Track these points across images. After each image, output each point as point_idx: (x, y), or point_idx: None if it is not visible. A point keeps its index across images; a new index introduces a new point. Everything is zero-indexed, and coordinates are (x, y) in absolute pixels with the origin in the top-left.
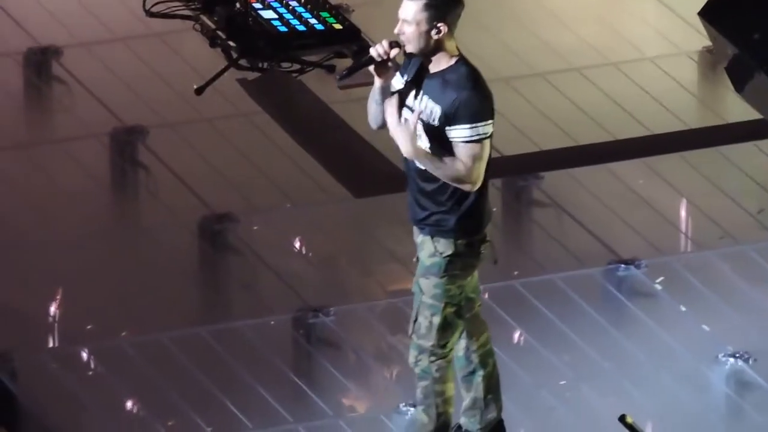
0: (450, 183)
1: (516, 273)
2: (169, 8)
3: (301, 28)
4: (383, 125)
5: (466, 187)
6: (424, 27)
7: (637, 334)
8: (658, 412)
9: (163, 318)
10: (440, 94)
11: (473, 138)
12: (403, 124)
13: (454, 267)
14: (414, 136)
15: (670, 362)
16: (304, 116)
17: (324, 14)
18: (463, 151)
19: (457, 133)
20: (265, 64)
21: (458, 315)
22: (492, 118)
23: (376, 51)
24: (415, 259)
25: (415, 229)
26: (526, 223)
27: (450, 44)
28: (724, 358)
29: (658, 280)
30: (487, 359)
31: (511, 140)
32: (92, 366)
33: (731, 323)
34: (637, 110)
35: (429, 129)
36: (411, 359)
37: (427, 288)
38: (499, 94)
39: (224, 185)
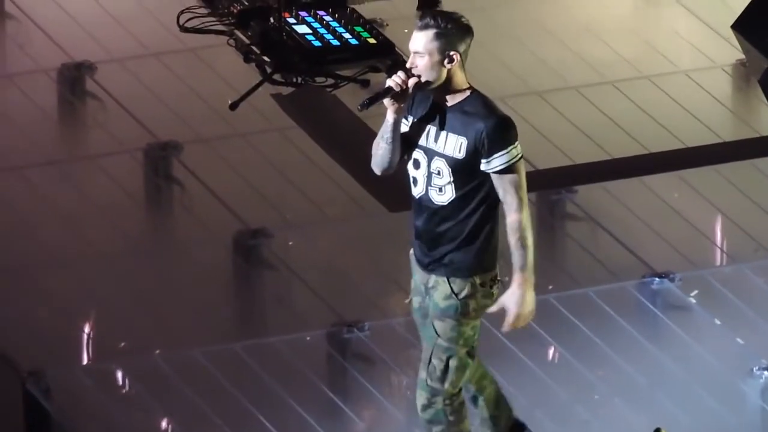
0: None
1: (550, 287)
2: (203, 23)
3: (335, 42)
4: (389, 168)
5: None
6: (436, 57)
7: (672, 347)
8: (692, 426)
9: (197, 334)
10: (463, 126)
11: (512, 161)
12: (531, 290)
13: (469, 307)
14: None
15: (705, 376)
16: (339, 131)
17: (358, 29)
18: (506, 184)
19: (496, 162)
20: (300, 79)
21: (470, 356)
22: (518, 139)
23: (394, 81)
24: (407, 301)
25: (422, 272)
26: (560, 236)
27: (462, 76)
28: (758, 372)
29: (692, 294)
30: (482, 383)
31: (545, 154)
32: (126, 382)
33: (766, 336)
34: (670, 123)
35: (453, 163)
36: (422, 402)
37: (443, 330)
38: (532, 107)
39: (258, 200)
